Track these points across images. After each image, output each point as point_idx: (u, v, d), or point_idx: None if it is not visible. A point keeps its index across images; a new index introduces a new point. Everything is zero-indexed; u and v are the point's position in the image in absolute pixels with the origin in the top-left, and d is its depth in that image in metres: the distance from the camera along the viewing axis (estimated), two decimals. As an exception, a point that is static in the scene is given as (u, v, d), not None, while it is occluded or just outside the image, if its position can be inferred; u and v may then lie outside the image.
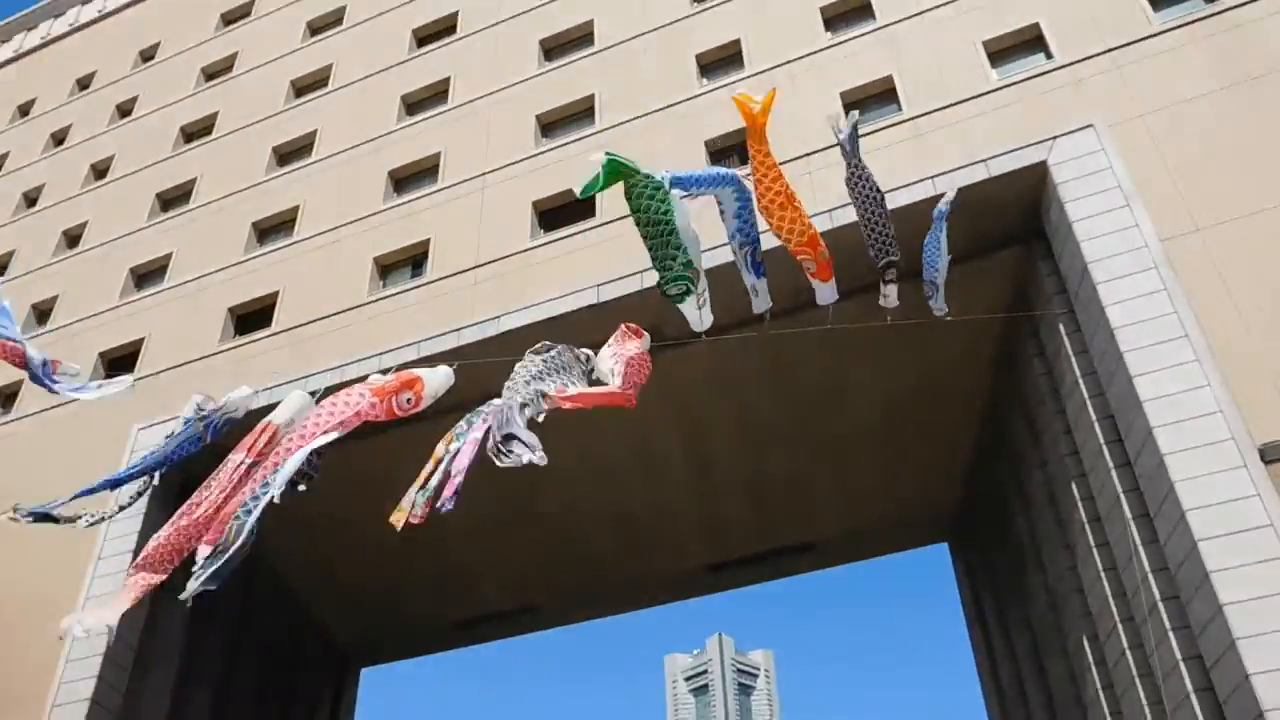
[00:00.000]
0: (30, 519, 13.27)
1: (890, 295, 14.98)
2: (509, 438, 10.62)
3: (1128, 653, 16.73)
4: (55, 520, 13.82)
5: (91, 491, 12.44)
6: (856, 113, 13.57)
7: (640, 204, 11.19)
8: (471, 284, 24.17)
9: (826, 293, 14.51)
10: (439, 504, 10.40)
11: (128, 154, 33.83)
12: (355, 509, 27.65)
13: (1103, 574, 17.68)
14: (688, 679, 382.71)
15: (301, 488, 11.23)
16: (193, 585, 10.05)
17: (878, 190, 13.35)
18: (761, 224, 12.89)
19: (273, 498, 10.43)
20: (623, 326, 12.29)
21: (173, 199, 31.77)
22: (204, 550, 10.46)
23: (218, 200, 30.26)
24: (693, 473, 27.87)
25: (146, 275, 30.07)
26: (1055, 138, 19.76)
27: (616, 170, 10.73)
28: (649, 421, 25.69)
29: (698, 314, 12.50)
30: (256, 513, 10.42)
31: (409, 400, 12.32)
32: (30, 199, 34.81)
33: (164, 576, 12.00)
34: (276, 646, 30.06)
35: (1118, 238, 17.80)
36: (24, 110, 39.35)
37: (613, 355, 11.84)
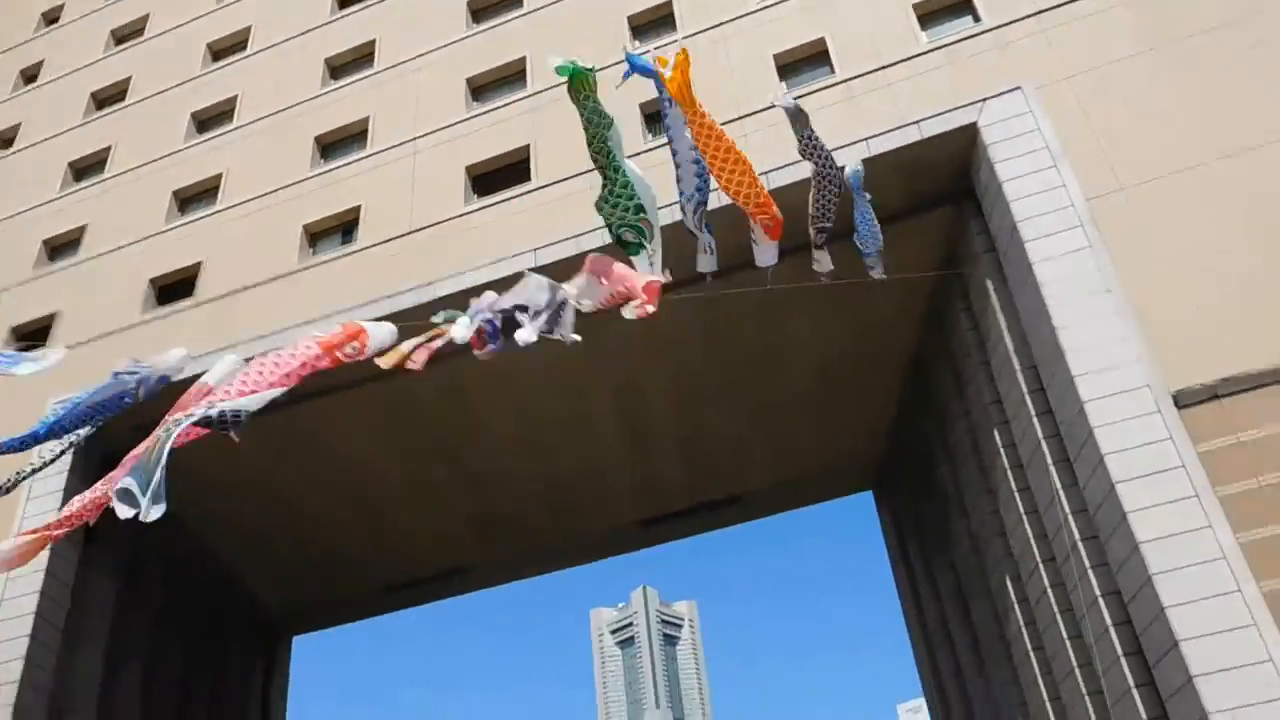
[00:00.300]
0: None
1: (823, 261, 15.38)
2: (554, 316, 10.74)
3: (1049, 591, 17.72)
4: None
5: (8, 449, 11.69)
6: (784, 94, 13.62)
7: (591, 132, 11.32)
8: (405, 250, 23.96)
9: (768, 255, 14.82)
10: (486, 348, 10.55)
11: (35, 122, 32.40)
12: (283, 475, 27.48)
13: (1024, 517, 18.63)
14: (613, 632, 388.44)
15: (234, 435, 10.73)
16: (146, 503, 9.32)
17: (831, 160, 13.60)
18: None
19: (208, 418, 9.76)
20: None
21: (86, 168, 30.59)
22: (123, 476, 9.56)
23: (134, 169, 29.24)
24: (625, 433, 28.22)
25: (60, 248, 29.00)
26: (985, 100, 20.35)
27: (578, 76, 10.86)
28: (583, 382, 25.98)
29: (649, 270, 12.65)
30: (184, 425, 9.64)
31: (354, 349, 12.05)
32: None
33: (69, 530, 11.42)
34: (206, 619, 29.74)
35: (1045, 197, 18.52)
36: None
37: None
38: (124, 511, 8.79)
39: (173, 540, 27.88)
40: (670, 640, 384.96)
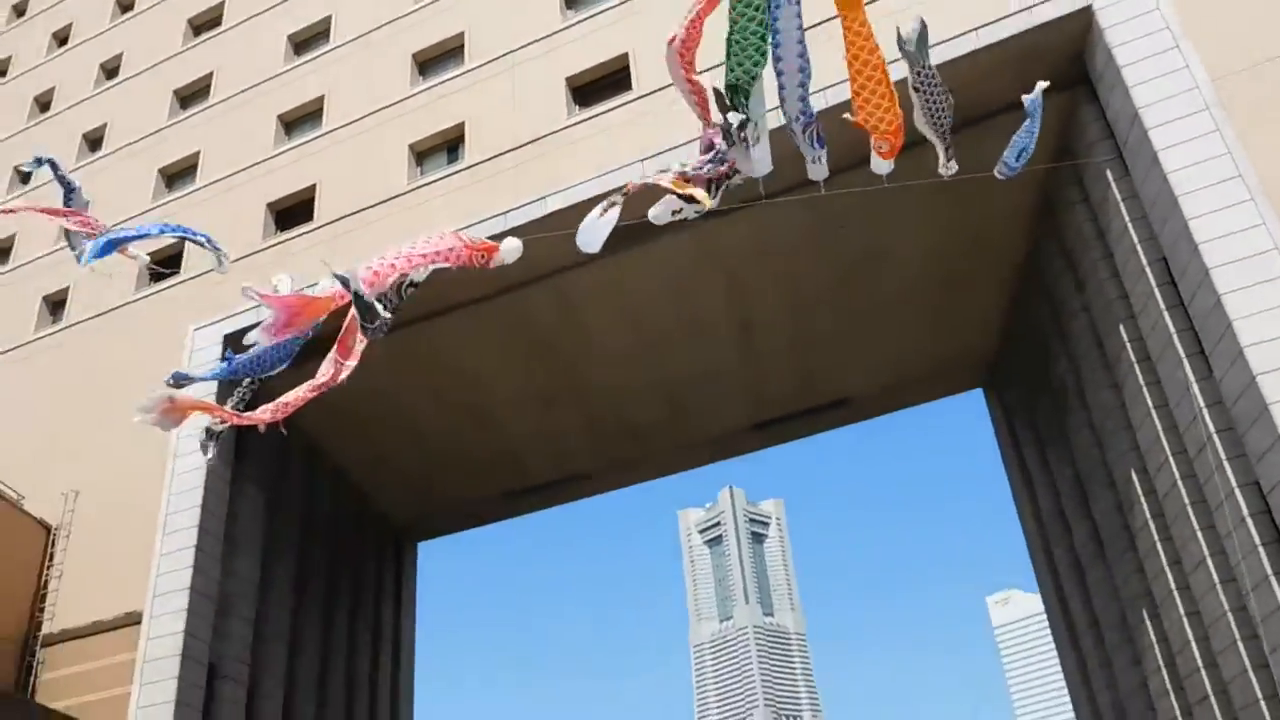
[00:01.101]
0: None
1: (953, 166, 14.93)
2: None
3: (1179, 483, 17.73)
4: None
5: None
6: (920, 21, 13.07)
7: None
8: (512, 166, 24.30)
9: (883, 166, 14.63)
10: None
11: (137, 50, 33.24)
12: (404, 392, 28.62)
13: (1153, 410, 18.53)
14: (701, 531, 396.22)
15: (387, 315, 11.53)
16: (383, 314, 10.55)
17: (946, 94, 12.90)
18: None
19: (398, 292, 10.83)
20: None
21: (191, 95, 31.45)
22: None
23: (238, 94, 29.96)
24: (736, 336, 28.55)
25: (175, 176, 30.08)
26: (1100, -20, 19.55)
27: None
28: (694, 288, 26.30)
29: (753, 153, 12.70)
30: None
31: (483, 257, 12.53)
32: (42, 103, 34.40)
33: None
34: (342, 529, 31.45)
35: (1168, 80, 17.92)
36: (19, 10, 38.40)
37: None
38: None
39: (309, 458, 29.48)
40: (758, 538, 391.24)
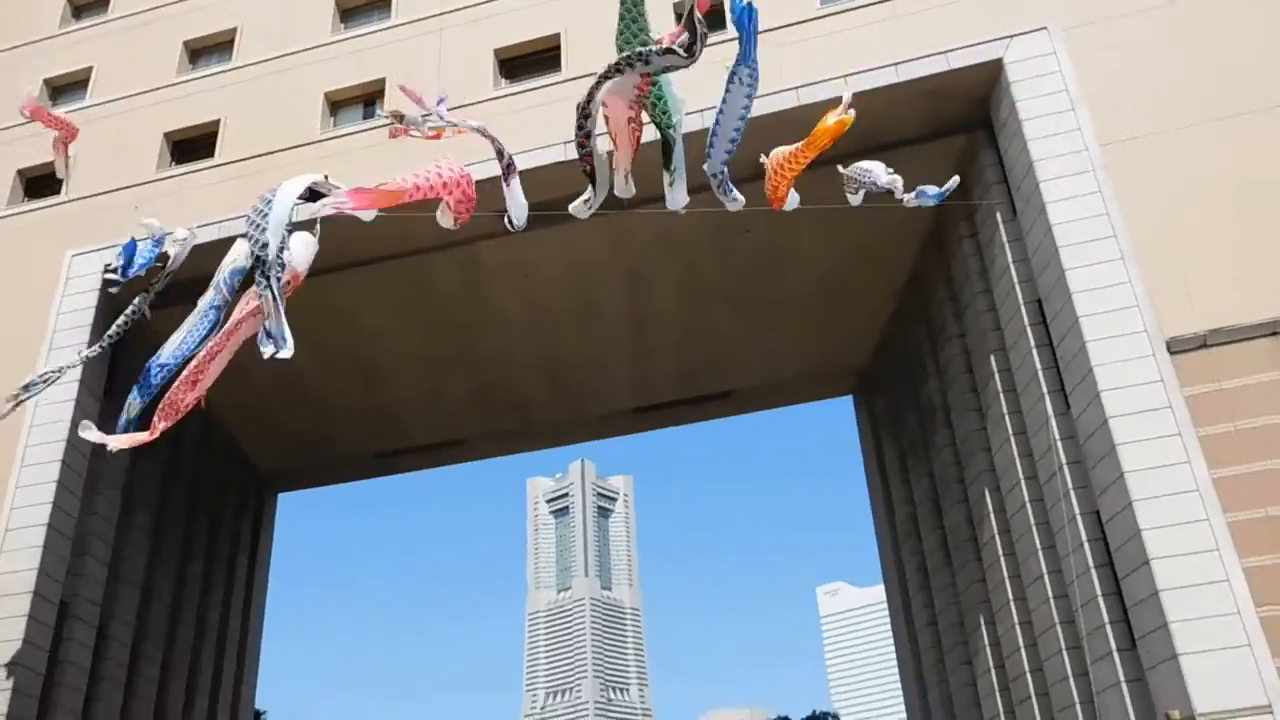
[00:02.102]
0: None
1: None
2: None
3: (1028, 505, 19.49)
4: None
5: None
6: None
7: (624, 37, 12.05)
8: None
9: (792, 200, 15.57)
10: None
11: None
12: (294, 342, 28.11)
13: (1012, 437, 20.25)
14: (549, 501, 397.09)
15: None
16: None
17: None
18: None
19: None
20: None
21: (86, 5, 29.79)
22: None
23: (141, 13, 28.61)
24: (629, 322, 29.27)
25: (63, 89, 28.54)
26: (1011, 36, 21.03)
27: None
28: (596, 274, 26.89)
29: (669, 192, 13.99)
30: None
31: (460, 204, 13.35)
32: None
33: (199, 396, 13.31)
34: (206, 474, 30.74)
35: (1062, 139, 19.51)
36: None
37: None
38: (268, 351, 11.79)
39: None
40: (604, 513, 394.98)
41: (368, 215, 12.44)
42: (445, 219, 14.22)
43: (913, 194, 16.01)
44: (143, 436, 15.23)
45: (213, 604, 30.79)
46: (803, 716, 57.19)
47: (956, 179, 15.26)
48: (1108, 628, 16.44)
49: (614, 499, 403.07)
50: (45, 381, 18.12)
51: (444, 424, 33.71)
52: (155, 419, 14.57)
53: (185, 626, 28.72)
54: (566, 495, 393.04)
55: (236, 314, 13.85)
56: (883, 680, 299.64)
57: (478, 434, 34.92)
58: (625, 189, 15.01)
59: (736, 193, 14.51)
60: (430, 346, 29.15)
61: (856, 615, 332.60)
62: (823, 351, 30.96)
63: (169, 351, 14.41)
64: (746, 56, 12.14)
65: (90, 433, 14.13)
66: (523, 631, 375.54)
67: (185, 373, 14.78)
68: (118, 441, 15.40)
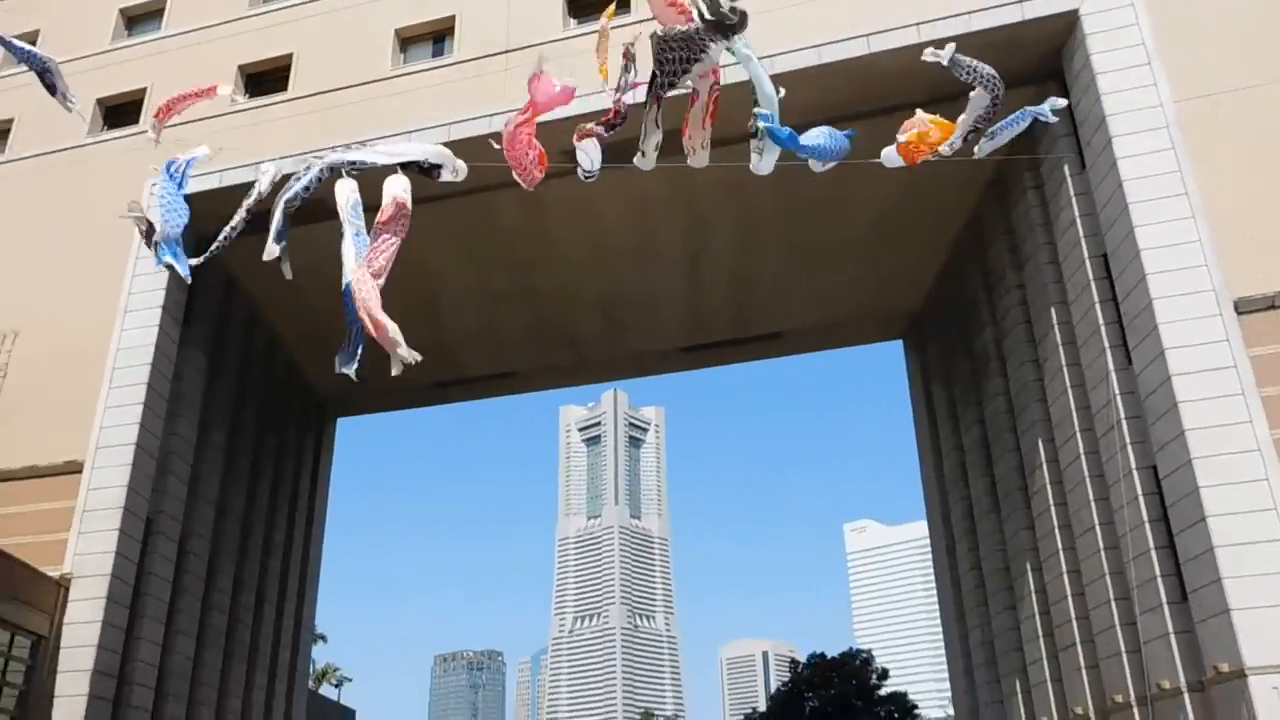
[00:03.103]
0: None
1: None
2: None
3: (1083, 457, 19.93)
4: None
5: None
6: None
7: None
8: (501, 70, 24.45)
9: (893, 158, 15.59)
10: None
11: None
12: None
13: (1070, 389, 20.60)
14: (581, 429, 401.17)
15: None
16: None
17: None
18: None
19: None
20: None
21: (161, -62, 30.05)
22: None
23: (214, -56, 28.85)
24: (685, 263, 29.67)
25: (138, 19, 29.01)
26: (1089, -14, 20.82)
27: None
28: (656, 213, 27.22)
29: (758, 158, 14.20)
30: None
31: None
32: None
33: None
34: (272, 397, 31.79)
35: (1136, 94, 19.48)
36: None
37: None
38: None
39: (249, 326, 29.60)
40: (635, 443, 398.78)
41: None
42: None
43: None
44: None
45: (278, 522, 32.12)
46: (836, 653, 58.11)
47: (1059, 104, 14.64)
48: (1159, 580, 16.98)
49: (645, 429, 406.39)
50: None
51: (498, 356, 34.47)
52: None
53: (254, 542, 30.05)
54: (599, 424, 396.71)
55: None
56: (908, 619, 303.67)
57: (530, 367, 35.69)
58: (645, 161, 14.90)
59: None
60: (489, 281, 29.77)
61: (883, 553, 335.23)
62: (875, 295, 31.23)
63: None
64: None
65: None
66: (553, 556, 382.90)
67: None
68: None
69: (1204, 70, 19.42)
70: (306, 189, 14.61)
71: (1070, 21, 20.95)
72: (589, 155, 14.50)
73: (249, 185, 24.64)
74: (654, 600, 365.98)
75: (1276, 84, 19.04)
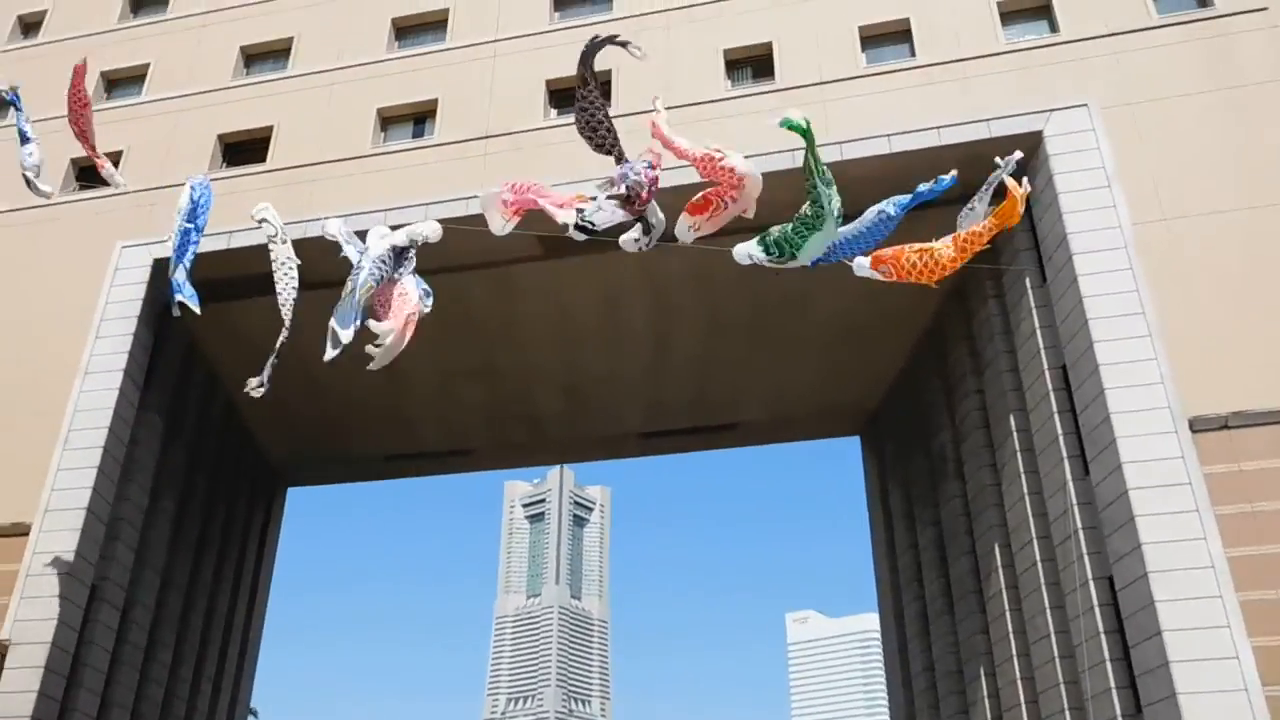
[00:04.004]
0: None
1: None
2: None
3: (1039, 564, 20.26)
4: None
5: None
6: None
7: (812, 183, 13.02)
8: (480, 154, 24.89)
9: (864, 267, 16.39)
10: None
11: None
12: (316, 342, 28.58)
13: (1027, 496, 21.02)
14: (525, 505, 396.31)
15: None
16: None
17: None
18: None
19: None
20: None
21: (147, 2, 30.38)
22: None
23: (199, 14, 29.23)
24: (649, 349, 29.97)
25: (119, 82, 29.11)
26: (1052, 110, 21.93)
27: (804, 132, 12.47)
28: (624, 299, 27.58)
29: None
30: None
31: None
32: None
33: None
34: (224, 464, 31.22)
35: (1096, 214, 20.39)
36: None
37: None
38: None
39: (208, 390, 29.21)
40: (579, 521, 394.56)
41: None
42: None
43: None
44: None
45: (222, 594, 31.25)
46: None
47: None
48: (1114, 693, 17.21)
49: (591, 508, 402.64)
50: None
51: (455, 433, 34.29)
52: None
53: (196, 614, 29.16)
54: (544, 501, 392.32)
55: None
56: (847, 714, 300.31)
57: (487, 445, 35.51)
58: (688, 235, 16.03)
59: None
60: (452, 357, 29.75)
61: (825, 644, 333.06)
62: (834, 390, 31.72)
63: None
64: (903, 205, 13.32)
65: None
66: (489, 636, 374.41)
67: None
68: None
69: (1162, 195, 20.40)
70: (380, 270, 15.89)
71: (1035, 142, 21.92)
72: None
73: (219, 253, 24.81)
74: (590, 683, 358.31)
75: (1231, 212, 20.08)
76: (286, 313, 17.67)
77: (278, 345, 17.73)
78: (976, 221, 16.53)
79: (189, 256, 19.17)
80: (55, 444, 23.15)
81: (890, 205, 14.51)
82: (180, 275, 18.82)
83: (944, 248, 14.33)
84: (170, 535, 27.34)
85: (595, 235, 15.72)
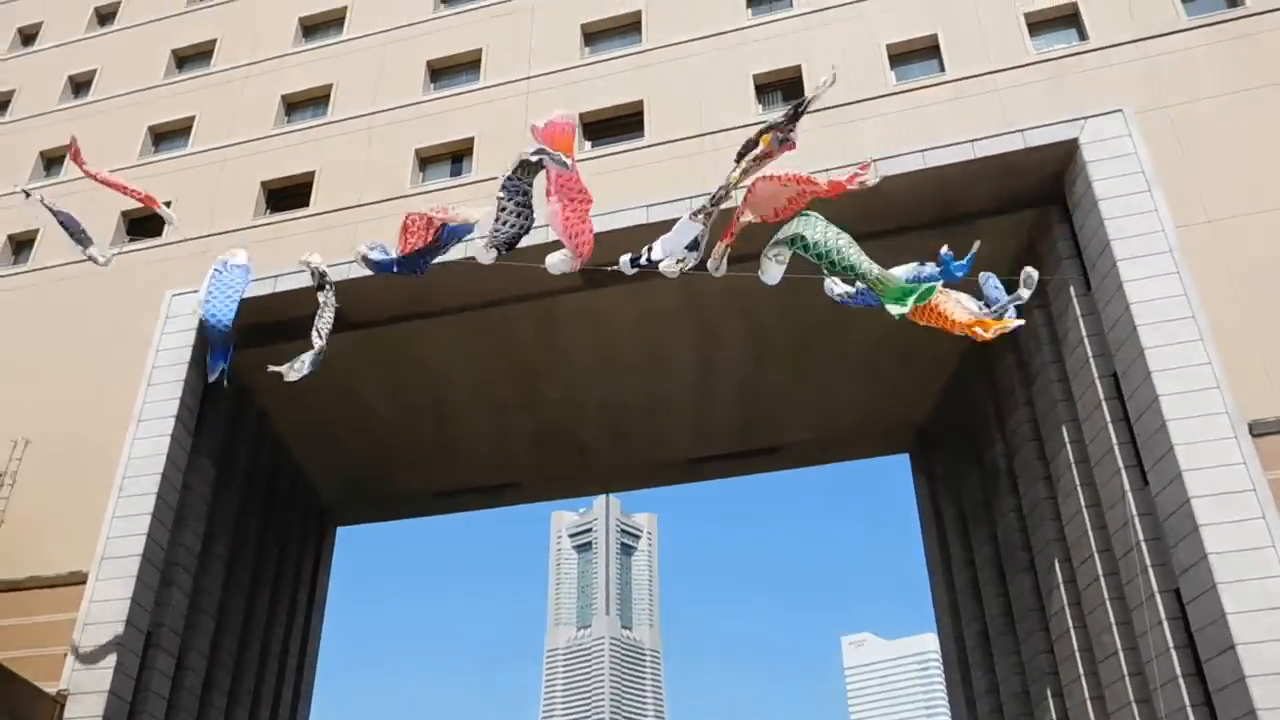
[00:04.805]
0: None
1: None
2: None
3: (1101, 578, 19.79)
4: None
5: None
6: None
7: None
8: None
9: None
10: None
11: (135, 3, 32.79)
12: (367, 381, 29.08)
13: (1085, 509, 20.59)
14: (572, 536, 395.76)
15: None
16: None
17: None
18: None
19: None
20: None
21: (190, 58, 31.20)
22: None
23: (242, 67, 29.94)
24: (693, 376, 29.91)
25: (166, 136, 29.84)
26: (1087, 118, 21.72)
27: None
28: (668, 327, 27.59)
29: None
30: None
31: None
32: (27, 36, 33.53)
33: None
34: (276, 505, 31.56)
35: (1138, 219, 20.09)
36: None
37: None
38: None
39: (258, 433, 29.60)
40: (627, 550, 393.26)
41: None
42: (567, 264, 15.30)
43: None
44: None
45: (275, 635, 31.45)
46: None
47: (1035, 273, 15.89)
48: (1189, 710, 16.70)
49: (638, 536, 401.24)
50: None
51: (503, 466, 34.38)
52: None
53: (250, 655, 29.38)
54: (590, 530, 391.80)
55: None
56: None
57: (534, 477, 35.56)
58: (719, 269, 16.27)
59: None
60: (498, 391, 29.96)
61: (882, 667, 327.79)
62: (881, 408, 31.38)
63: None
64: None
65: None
66: (541, 668, 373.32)
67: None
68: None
69: (1204, 197, 20.07)
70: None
71: (1070, 149, 21.72)
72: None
73: (266, 297, 25.23)
74: (645, 715, 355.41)
75: (1268, 211, 19.66)
76: (319, 338, 18.05)
77: (316, 348, 17.96)
78: (988, 313, 16.21)
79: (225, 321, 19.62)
80: (110, 492, 23.53)
81: (916, 271, 14.48)
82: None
83: (959, 312, 14.53)
84: (224, 579, 27.62)
85: (644, 268, 16.06)
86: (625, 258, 15.93)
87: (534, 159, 14.94)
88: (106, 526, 23.19)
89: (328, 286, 17.93)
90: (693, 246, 16.48)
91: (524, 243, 23.59)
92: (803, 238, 14.22)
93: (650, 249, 16.03)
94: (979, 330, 14.55)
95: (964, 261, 15.84)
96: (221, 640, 27.48)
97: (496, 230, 15.67)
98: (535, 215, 15.89)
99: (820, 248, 14.03)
